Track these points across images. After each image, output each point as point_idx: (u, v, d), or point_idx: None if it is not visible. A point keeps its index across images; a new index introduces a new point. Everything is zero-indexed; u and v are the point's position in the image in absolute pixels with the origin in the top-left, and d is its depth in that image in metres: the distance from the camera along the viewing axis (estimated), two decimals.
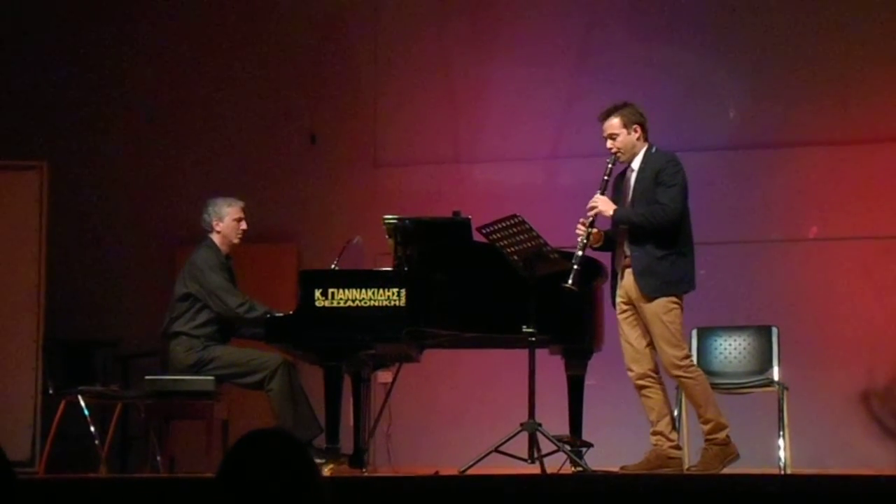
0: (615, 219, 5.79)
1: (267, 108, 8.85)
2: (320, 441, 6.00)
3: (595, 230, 5.77)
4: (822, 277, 7.89)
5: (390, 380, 6.69)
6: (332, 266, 6.18)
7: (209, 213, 6.51)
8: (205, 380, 6.28)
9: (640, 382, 5.78)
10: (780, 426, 6.44)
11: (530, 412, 5.67)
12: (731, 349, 6.82)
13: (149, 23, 9.03)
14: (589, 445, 6.00)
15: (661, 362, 5.77)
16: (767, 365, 6.70)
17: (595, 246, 5.87)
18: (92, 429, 6.65)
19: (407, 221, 6.10)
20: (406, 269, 6.00)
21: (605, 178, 5.82)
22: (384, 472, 7.18)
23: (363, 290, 5.85)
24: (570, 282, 5.57)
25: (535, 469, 5.64)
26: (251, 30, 8.96)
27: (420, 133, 8.68)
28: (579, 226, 5.74)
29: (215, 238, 6.51)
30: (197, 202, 6.68)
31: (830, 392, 7.66)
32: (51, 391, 6.82)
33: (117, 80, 8.96)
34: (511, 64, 8.51)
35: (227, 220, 6.49)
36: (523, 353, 5.72)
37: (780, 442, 6.43)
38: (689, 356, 5.86)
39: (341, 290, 5.87)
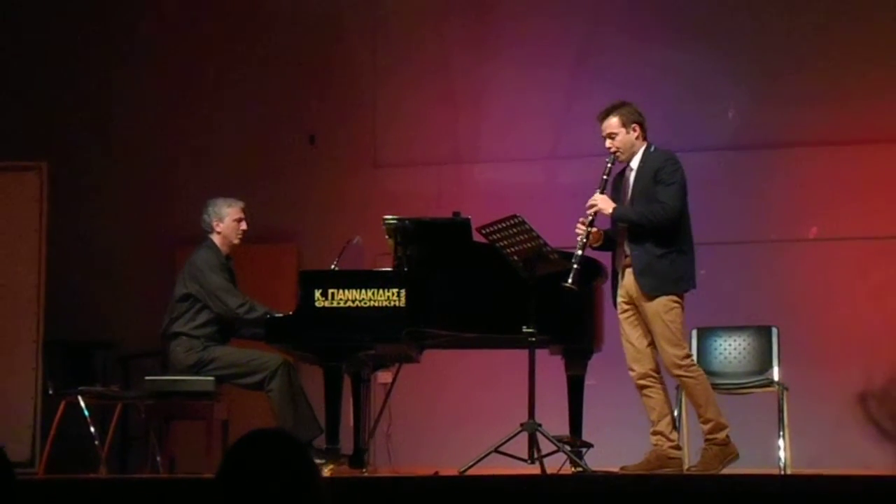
0: (615, 217, 5.79)
1: (267, 109, 8.84)
2: (320, 441, 6.00)
3: (595, 229, 5.77)
4: (821, 277, 7.89)
5: (390, 380, 6.70)
6: (332, 266, 6.18)
7: (209, 213, 6.51)
8: (205, 380, 6.28)
9: (642, 382, 5.78)
10: (780, 426, 6.44)
11: (530, 412, 5.67)
12: (731, 349, 6.82)
13: (149, 23, 9.03)
14: (589, 446, 6.00)
15: (662, 362, 5.77)
16: (767, 365, 6.70)
17: (595, 245, 5.87)
18: (92, 429, 6.66)
19: (407, 222, 6.10)
20: (406, 269, 6.00)
21: (605, 177, 5.83)
22: (384, 472, 7.18)
23: (363, 291, 5.85)
24: (570, 281, 5.57)
25: (535, 469, 5.63)
26: (251, 30, 8.96)
27: (420, 133, 8.68)
28: (579, 225, 5.74)
29: (215, 238, 6.50)
30: (197, 202, 6.68)
31: (830, 392, 7.66)
32: (51, 392, 6.83)
33: (117, 81, 8.96)
34: (511, 64, 8.51)
35: (227, 221, 6.49)
36: (523, 354, 5.72)
37: (780, 442, 6.43)
38: (690, 355, 5.87)
39: (341, 291, 5.87)
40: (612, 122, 5.84)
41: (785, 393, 6.48)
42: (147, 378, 6.50)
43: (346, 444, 6.13)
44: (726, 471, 5.67)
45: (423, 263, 6.02)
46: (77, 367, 7.00)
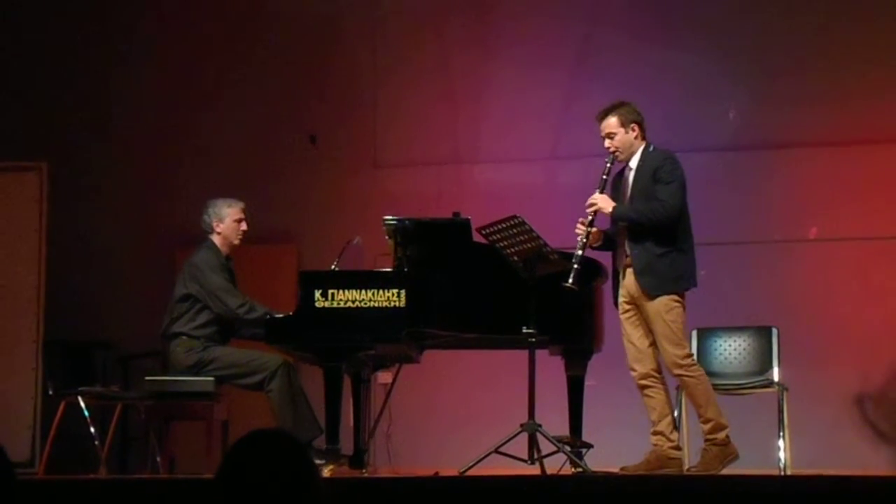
0: (614, 216, 5.79)
1: (267, 109, 8.84)
2: (320, 442, 6.00)
3: (594, 229, 5.77)
4: (821, 278, 7.89)
5: (390, 380, 6.70)
6: (332, 267, 6.18)
7: (209, 214, 6.51)
8: (205, 381, 6.28)
9: (643, 382, 5.78)
10: (780, 427, 6.44)
11: (530, 413, 5.67)
12: (731, 350, 6.82)
13: (149, 23, 9.03)
14: (589, 446, 6.01)
15: (663, 361, 5.77)
16: (767, 365, 6.71)
17: (595, 245, 5.87)
18: (92, 430, 6.65)
19: (407, 222, 6.10)
20: (406, 269, 6.01)
21: (604, 177, 5.83)
22: (384, 472, 7.18)
23: (363, 291, 5.85)
24: (570, 281, 5.57)
25: (535, 470, 5.64)
26: (251, 30, 8.96)
27: (420, 134, 8.69)
28: (579, 225, 5.74)
29: (215, 239, 6.50)
30: (197, 203, 6.68)
31: (830, 393, 7.66)
32: (51, 392, 6.82)
33: (117, 81, 8.96)
34: (511, 64, 8.51)
35: (227, 221, 6.49)
36: (523, 354, 5.72)
37: (780, 443, 6.43)
38: (690, 355, 5.87)
39: (341, 291, 5.87)
40: (611, 122, 5.84)
41: (785, 393, 6.48)
42: (147, 378, 6.50)
43: (346, 445, 6.13)
44: (726, 471, 5.67)
45: (423, 264, 6.02)
46: (77, 368, 6.99)
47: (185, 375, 6.30)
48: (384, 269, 6.16)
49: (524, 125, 8.46)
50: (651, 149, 5.87)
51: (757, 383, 6.60)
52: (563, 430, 6.00)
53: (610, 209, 5.75)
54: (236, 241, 6.53)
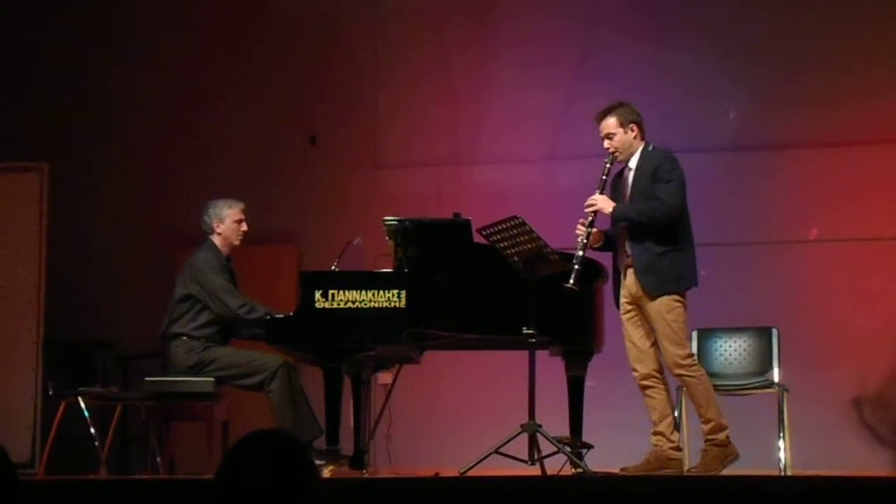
0: (614, 216, 5.79)
1: (267, 110, 8.84)
2: (320, 442, 6.00)
3: (595, 230, 5.78)
4: (822, 279, 7.89)
5: (390, 381, 6.70)
6: (333, 267, 6.18)
7: (210, 214, 6.51)
8: (205, 381, 6.28)
9: (645, 382, 5.78)
10: (780, 427, 6.44)
11: (530, 413, 5.67)
12: (732, 350, 6.82)
13: (149, 23, 9.03)
14: (589, 447, 6.01)
15: (664, 361, 5.77)
16: (767, 366, 6.70)
17: (595, 246, 5.88)
18: (92, 430, 6.65)
19: (407, 223, 6.10)
20: (406, 270, 6.00)
21: (604, 177, 5.84)
22: (384, 473, 7.18)
23: (363, 292, 5.85)
24: (571, 282, 5.57)
25: (535, 470, 5.64)
26: (251, 30, 8.96)
27: (420, 134, 8.68)
28: (579, 226, 5.74)
29: (216, 240, 6.50)
30: (197, 203, 6.68)
31: (831, 393, 7.65)
32: (51, 392, 6.82)
33: (117, 82, 8.96)
34: (511, 65, 8.51)
35: (227, 222, 6.49)
36: (523, 355, 5.72)
37: (780, 443, 6.43)
38: (692, 355, 5.87)
39: (341, 292, 5.87)
40: (610, 123, 5.85)
41: (785, 394, 6.48)
42: (147, 379, 6.50)
43: (347, 446, 6.13)
44: (726, 472, 5.67)
45: (423, 264, 6.02)
46: (77, 368, 6.99)
47: (186, 376, 6.30)
48: (384, 270, 6.15)
49: (524, 125, 8.46)
50: (650, 148, 5.88)
51: (757, 384, 6.60)
52: (564, 430, 6.00)
53: (610, 210, 5.75)
54: (236, 242, 6.53)
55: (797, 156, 8.00)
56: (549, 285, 5.65)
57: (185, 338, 6.33)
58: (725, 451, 5.69)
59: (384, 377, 6.97)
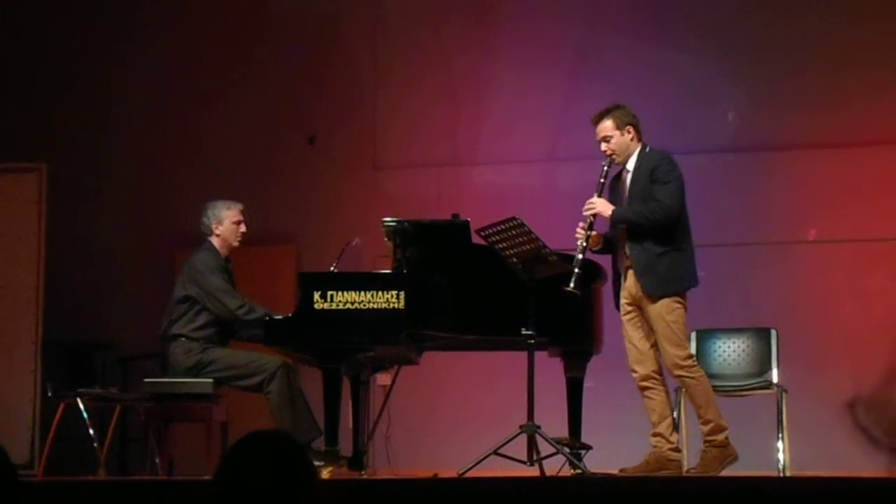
0: (614, 219, 5.79)
1: (266, 110, 8.84)
2: (319, 443, 5.99)
3: (594, 233, 5.78)
4: (821, 279, 7.89)
5: (389, 382, 6.69)
6: (331, 268, 6.18)
7: (208, 216, 6.50)
8: (204, 382, 6.28)
9: (644, 384, 5.78)
10: (779, 428, 6.44)
11: (529, 414, 5.67)
12: (731, 351, 6.82)
13: (149, 24, 9.03)
14: (588, 448, 6.01)
15: (663, 362, 5.77)
16: (766, 367, 6.70)
17: (594, 249, 5.88)
18: (91, 431, 6.65)
19: (406, 224, 6.10)
20: (405, 271, 6.00)
21: (602, 180, 5.84)
22: (383, 474, 7.18)
23: (362, 293, 5.85)
24: (571, 285, 5.57)
25: (534, 471, 5.63)
26: (251, 31, 8.96)
27: (419, 135, 8.68)
28: (578, 229, 5.74)
29: (214, 241, 6.50)
30: (196, 204, 6.67)
31: (829, 394, 7.65)
32: (50, 393, 6.82)
33: (117, 82, 8.96)
34: (510, 66, 8.52)
35: (226, 223, 6.49)
36: (522, 356, 5.72)
37: (779, 444, 6.43)
38: (692, 356, 5.87)
39: (340, 293, 5.87)
40: (607, 126, 5.85)
41: (784, 395, 6.47)
42: (146, 380, 6.49)
43: (346, 447, 6.13)
44: (725, 473, 5.67)
45: (422, 265, 6.02)
46: (76, 369, 7.00)
47: (185, 377, 6.30)
48: (383, 271, 6.15)
49: (524, 126, 8.46)
50: (647, 150, 5.88)
51: (756, 385, 6.60)
52: (563, 431, 6.00)
53: (609, 213, 5.75)
54: (235, 243, 6.53)
55: (796, 157, 8.00)
56: (548, 286, 5.65)
57: (184, 339, 6.33)
58: (724, 452, 5.69)
59: (383, 378, 6.98)
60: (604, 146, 5.86)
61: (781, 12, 8.13)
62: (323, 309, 5.87)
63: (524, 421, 5.66)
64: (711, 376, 6.24)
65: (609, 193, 5.88)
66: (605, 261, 6.03)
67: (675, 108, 7.95)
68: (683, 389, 5.96)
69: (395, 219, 6.10)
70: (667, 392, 5.83)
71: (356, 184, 8.61)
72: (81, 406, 6.59)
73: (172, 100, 8.91)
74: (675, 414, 6.05)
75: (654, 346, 5.77)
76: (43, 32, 9.01)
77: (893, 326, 7.66)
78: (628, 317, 5.83)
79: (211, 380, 6.27)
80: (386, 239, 6.14)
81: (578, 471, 5.71)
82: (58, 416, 6.67)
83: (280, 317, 6.04)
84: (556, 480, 5.58)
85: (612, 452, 6.00)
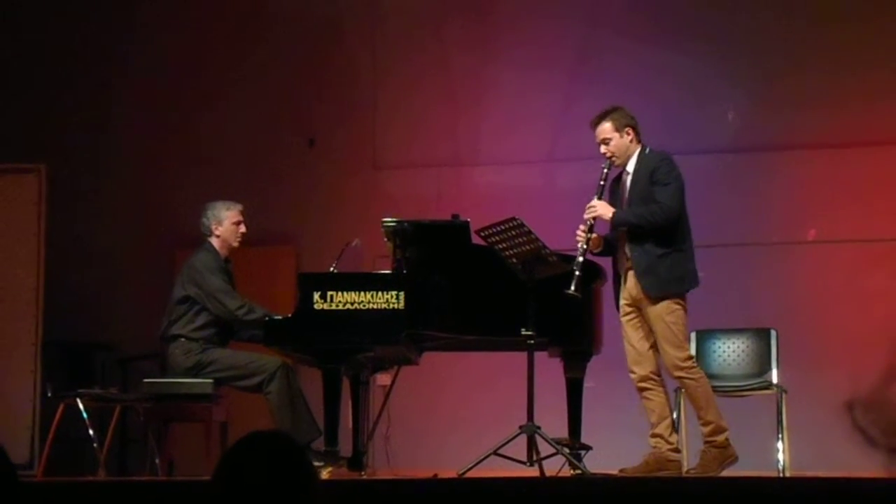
0: (614, 222, 5.79)
1: (266, 111, 8.84)
2: (319, 444, 6.00)
3: (594, 235, 5.78)
4: (820, 280, 7.89)
5: (389, 382, 6.69)
6: (331, 269, 6.18)
7: (208, 216, 6.50)
8: (203, 382, 6.28)
9: (642, 385, 5.78)
10: (779, 429, 6.44)
11: (529, 415, 5.67)
12: (730, 352, 6.82)
13: (149, 24, 9.03)
14: (588, 448, 6.01)
15: (663, 364, 5.77)
16: (766, 368, 6.70)
17: (595, 251, 5.88)
18: (91, 432, 6.65)
19: (406, 224, 6.10)
20: (405, 271, 6.00)
21: (602, 182, 5.83)
22: (383, 474, 7.18)
23: (362, 293, 5.85)
24: (572, 288, 5.57)
25: (533, 472, 5.63)
26: (251, 32, 8.96)
27: (419, 136, 8.68)
28: (579, 232, 5.74)
29: (214, 242, 6.50)
30: (196, 205, 6.67)
31: (829, 395, 7.65)
32: (49, 394, 6.82)
33: (117, 82, 8.96)
34: (510, 67, 8.51)
35: (226, 224, 6.49)
36: (522, 356, 5.72)
37: (779, 445, 6.43)
38: (691, 357, 5.87)
39: (340, 293, 5.87)
40: (606, 128, 5.85)
41: (784, 395, 6.48)
42: (146, 380, 6.50)
43: (345, 447, 6.13)
44: (725, 473, 5.67)
45: (422, 266, 6.02)
46: (76, 370, 7.00)
47: (184, 377, 6.30)
48: (383, 271, 6.16)
49: (523, 127, 8.46)
50: (647, 151, 5.88)
51: (756, 385, 6.60)
52: (562, 431, 6.00)
53: (609, 215, 5.75)
54: (235, 244, 6.53)
55: (796, 157, 8.00)
56: (548, 287, 5.65)
57: (183, 339, 6.33)
58: (724, 452, 5.69)
59: (383, 378, 6.98)
60: (603, 149, 5.86)
61: (780, 13, 8.13)
62: (323, 309, 5.87)
63: (524, 421, 5.66)
64: (711, 377, 6.24)
65: (609, 195, 5.88)
66: (605, 262, 6.03)
67: (674, 109, 7.95)
68: (683, 390, 5.96)
69: (394, 219, 6.11)
70: (665, 393, 5.83)
71: (356, 184, 8.61)
72: (81, 406, 6.58)
73: (172, 100, 8.91)
74: (674, 415, 6.05)
75: (653, 347, 5.77)
76: (43, 32, 9.01)
77: (893, 327, 7.66)
78: (628, 318, 5.83)
79: (210, 380, 6.27)
80: (386, 239, 6.14)
81: (578, 471, 5.71)
82: (58, 416, 6.67)
83: (280, 317, 6.04)
84: (556, 481, 5.58)
85: (612, 453, 6.00)
